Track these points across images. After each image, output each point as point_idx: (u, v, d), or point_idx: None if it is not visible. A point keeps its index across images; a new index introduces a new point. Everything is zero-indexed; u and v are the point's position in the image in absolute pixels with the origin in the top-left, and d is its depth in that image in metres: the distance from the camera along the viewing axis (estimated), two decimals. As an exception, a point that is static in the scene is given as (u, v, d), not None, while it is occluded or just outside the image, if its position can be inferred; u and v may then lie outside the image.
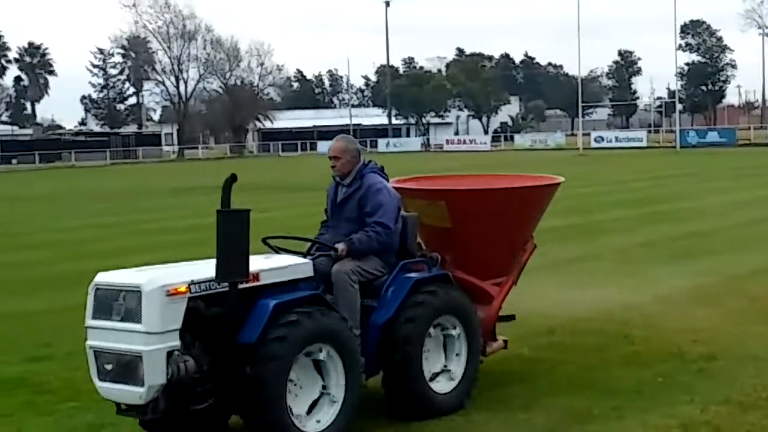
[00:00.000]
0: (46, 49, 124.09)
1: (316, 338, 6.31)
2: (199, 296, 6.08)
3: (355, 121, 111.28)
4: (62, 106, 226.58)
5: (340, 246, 7.06)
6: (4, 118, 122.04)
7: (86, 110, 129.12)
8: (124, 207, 31.35)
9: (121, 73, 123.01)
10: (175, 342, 5.94)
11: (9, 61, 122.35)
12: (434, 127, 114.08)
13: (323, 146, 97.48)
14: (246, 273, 6.04)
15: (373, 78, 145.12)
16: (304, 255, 7.10)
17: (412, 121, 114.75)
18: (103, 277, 6.22)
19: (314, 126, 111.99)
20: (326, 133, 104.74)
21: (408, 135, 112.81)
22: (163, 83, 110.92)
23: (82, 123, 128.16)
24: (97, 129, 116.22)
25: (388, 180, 7.49)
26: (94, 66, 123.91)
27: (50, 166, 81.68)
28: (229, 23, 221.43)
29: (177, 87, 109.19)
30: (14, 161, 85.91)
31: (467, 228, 7.89)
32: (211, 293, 6.12)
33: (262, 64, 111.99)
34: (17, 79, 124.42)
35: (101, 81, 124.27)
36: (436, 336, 7.23)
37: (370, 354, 6.81)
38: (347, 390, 6.47)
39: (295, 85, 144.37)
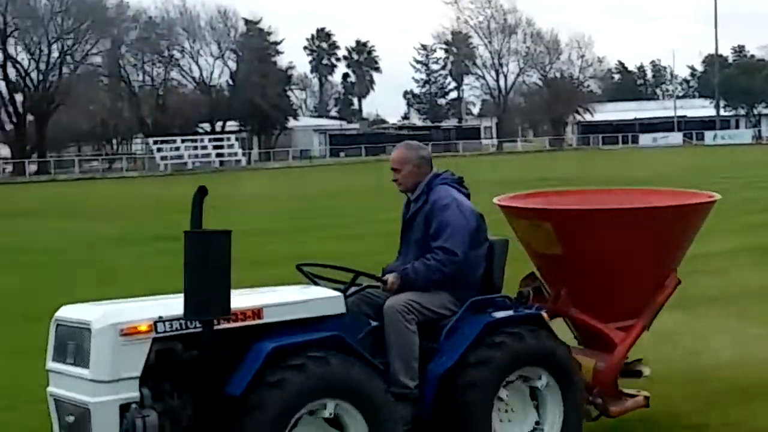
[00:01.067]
0: (372, 46, 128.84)
1: (326, 392, 4.98)
2: (173, 336, 4.93)
3: (679, 112, 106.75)
4: (386, 102, 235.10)
5: (391, 277, 5.79)
6: (333, 113, 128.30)
7: (409, 105, 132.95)
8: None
9: (443, 68, 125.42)
10: (131, 393, 4.79)
11: (338, 59, 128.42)
12: (766, 119, 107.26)
13: (646, 139, 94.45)
14: (226, 309, 4.82)
15: (700, 68, 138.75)
16: (346, 288, 5.67)
17: (742, 112, 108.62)
18: (64, 311, 5.19)
19: (635, 118, 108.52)
20: (648, 125, 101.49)
21: (737, 127, 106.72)
22: (484, 77, 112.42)
23: (405, 117, 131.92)
24: (419, 123, 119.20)
25: (468, 194, 6.06)
26: (417, 62, 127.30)
27: (375, 158, 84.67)
28: (550, 15, 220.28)
29: (497, 81, 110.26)
30: (342, 154, 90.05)
31: (583, 256, 6.44)
32: (191, 332, 4.96)
33: (582, 56, 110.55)
34: (345, 76, 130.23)
35: (423, 76, 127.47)
36: (519, 389, 5.80)
37: (427, 410, 5.51)
38: None
39: (616, 76, 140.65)
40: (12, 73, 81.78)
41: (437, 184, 5.98)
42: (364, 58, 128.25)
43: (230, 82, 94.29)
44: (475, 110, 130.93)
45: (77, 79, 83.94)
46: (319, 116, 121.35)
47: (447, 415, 5.47)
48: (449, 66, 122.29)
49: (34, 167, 77.40)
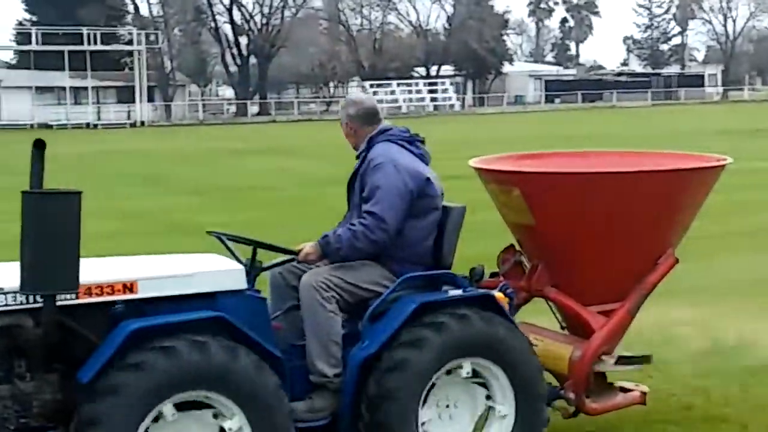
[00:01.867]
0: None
1: (196, 382, 4.30)
2: (20, 310, 4.28)
3: None
4: (604, 47, 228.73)
5: (307, 247, 4.99)
6: (549, 58, 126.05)
7: (628, 51, 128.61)
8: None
9: (666, 12, 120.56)
10: None
11: (557, 3, 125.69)
12: None
13: None
14: (73, 282, 4.16)
15: None
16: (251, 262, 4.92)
17: None
18: None
19: None
20: None
21: None
22: (710, 22, 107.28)
23: (624, 63, 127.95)
24: (638, 69, 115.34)
25: (421, 154, 5.21)
26: (640, 6, 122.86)
27: (591, 106, 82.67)
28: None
29: (724, 25, 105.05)
30: (557, 100, 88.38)
31: (556, 227, 5.54)
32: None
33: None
34: (563, 20, 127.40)
35: (645, 21, 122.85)
36: (464, 383, 4.98)
37: (347, 403, 4.80)
38: None
39: None
40: (237, 16, 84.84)
41: (379, 141, 5.20)
42: (583, 2, 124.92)
43: (446, 26, 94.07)
44: (700, 57, 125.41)
45: (298, 22, 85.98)
46: (535, 61, 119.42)
47: (366, 406, 4.71)
48: (673, 10, 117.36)
49: (255, 108, 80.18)
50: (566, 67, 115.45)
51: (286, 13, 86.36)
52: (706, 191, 5.73)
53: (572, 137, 39.09)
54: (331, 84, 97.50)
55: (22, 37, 76.80)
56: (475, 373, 4.96)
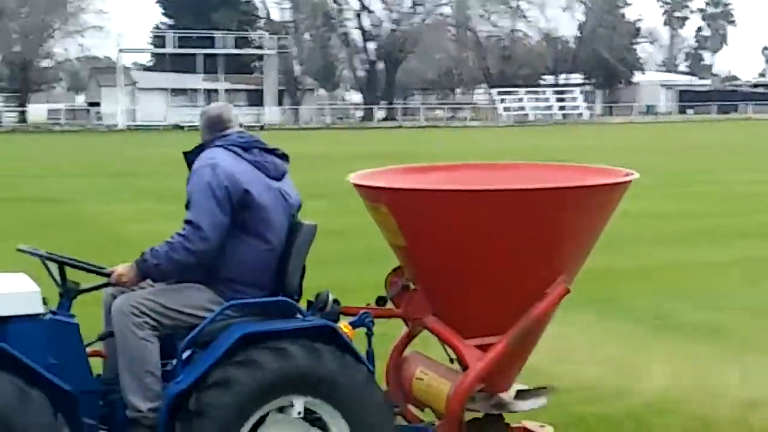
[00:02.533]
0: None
1: None
2: None
3: None
4: (740, 57, 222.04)
5: (120, 268, 4.51)
6: (682, 68, 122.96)
7: (767, 61, 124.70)
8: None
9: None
10: None
11: (692, 12, 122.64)
12: None
13: None
14: None
15: None
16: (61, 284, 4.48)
17: None
18: None
19: None
20: None
21: None
22: None
23: (762, 75, 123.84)
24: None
25: (261, 162, 4.64)
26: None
27: (725, 117, 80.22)
28: None
29: None
30: (690, 111, 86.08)
31: (428, 250, 4.90)
32: None
33: None
34: (698, 29, 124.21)
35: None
36: (301, 426, 4.43)
37: None
38: None
39: None
40: (366, 22, 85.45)
41: (210, 146, 4.67)
42: (719, 11, 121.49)
43: (577, 34, 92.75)
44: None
45: (426, 28, 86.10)
46: (667, 71, 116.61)
47: None
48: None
49: (381, 113, 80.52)
50: (700, 78, 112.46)
51: (415, 19, 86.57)
52: (602, 212, 4.96)
53: (702, 146, 37.95)
54: (458, 90, 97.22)
55: (159, 40, 79.10)
56: (313, 412, 4.44)
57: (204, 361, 4.30)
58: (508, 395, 5.06)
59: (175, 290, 4.49)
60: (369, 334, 4.79)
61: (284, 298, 4.53)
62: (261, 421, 4.33)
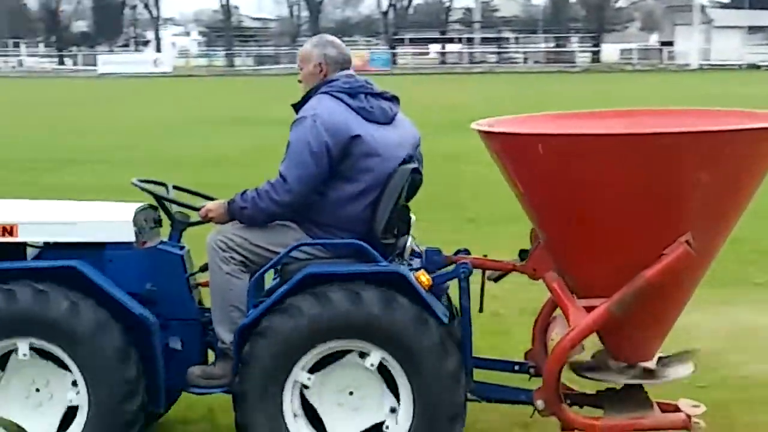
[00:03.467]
0: None
1: (13, 330, 4.34)
2: None
3: None
4: None
5: (210, 204, 4.62)
6: None
7: None
8: None
9: None
10: None
11: None
12: None
13: None
14: None
15: None
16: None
17: None
18: None
19: None
20: None
21: None
22: None
23: None
24: None
25: (367, 109, 4.44)
26: None
27: None
28: None
29: None
30: None
31: (541, 200, 4.33)
32: None
33: None
34: None
35: None
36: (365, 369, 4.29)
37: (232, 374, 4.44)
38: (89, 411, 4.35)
39: None
40: None
41: (319, 92, 4.57)
42: None
43: None
44: None
45: None
46: None
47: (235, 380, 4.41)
48: None
49: None
50: None
51: None
52: (742, 165, 4.11)
53: None
54: None
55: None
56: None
57: (274, 294, 4.35)
58: (651, 363, 4.53)
59: (266, 228, 4.54)
60: (464, 286, 4.52)
61: (356, 241, 4.43)
62: (338, 358, 4.36)
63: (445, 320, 4.32)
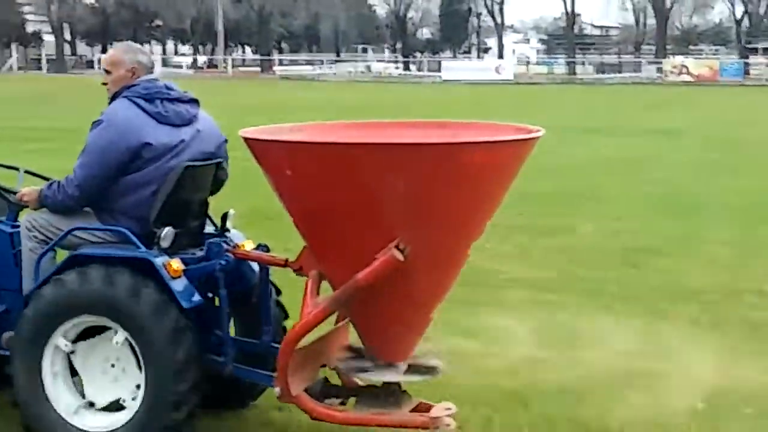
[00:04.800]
0: None
1: None
2: None
3: None
4: None
5: (25, 189, 5.14)
6: None
7: None
8: None
9: None
10: None
11: None
12: None
13: None
14: None
15: None
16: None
17: None
18: None
19: None
20: None
21: None
22: None
23: None
24: None
25: (161, 113, 4.88)
26: None
27: None
28: None
29: None
30: None
31: (285, 204, 4.68)
32: None
33: None
34: None
35: None
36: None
37: None
38: None
39: None
40: None
41: (120, 96, 4.95)
42: None
43: None
44: None
45: None
46: None
47: None
48: None
49: None
50: None
51: None
52: (440, 176, 4.20)
53: None
54: None
55: None
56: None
57: (42, 277, 4.85)
58: (404, 363, 4.71)
59: (68, 213, 5.00)
60: (218, 276, 4.84)
61: (120, 228, 4.84)
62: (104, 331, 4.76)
63: (187, 306, 4.63)
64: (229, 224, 5.23)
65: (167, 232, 4.78)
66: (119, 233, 4.81)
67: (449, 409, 4.59)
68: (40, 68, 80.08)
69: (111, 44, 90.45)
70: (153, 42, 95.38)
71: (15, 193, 5.20)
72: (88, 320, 4.72)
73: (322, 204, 4.40)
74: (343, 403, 4.83)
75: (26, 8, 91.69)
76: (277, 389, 4.64)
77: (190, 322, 4.65)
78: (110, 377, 4.83)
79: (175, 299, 4.60)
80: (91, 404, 4.86)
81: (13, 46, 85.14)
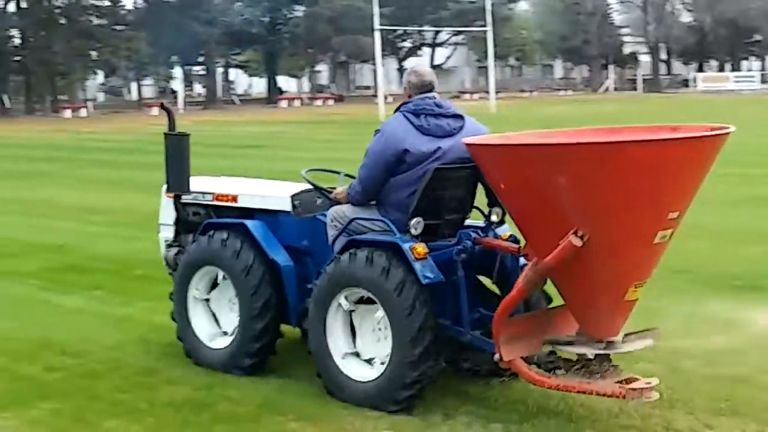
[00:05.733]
0: None
1: (204, 262, 6.67)
2: (186, 203, 7.15)
3: None
4: None
5: (339, 188, 6.41)
6: None
7: None
8: None
9: None
10: (168, 234, 7.36)
11: None
12: None
13: None
14: (187, 188, 6.84)
15: None
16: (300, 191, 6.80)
17: None
18: None
19: None
20: None
21: None
22: None
23: None
24: None
25: (424, 126, 5.91)
26: None
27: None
28: None
29: None
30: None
31: (504, 200, 5.72)
32: (195, 203, 7.16)
33: None
34: None
35: None
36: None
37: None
38: (239, 322, 6.53)
39: None
40: None
41: (397, 111, 6.09)
42: None
43: None
44: None
45: None
46: None
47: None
48: None
49: None
50: None
51: None
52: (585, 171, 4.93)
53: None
54: None
55: None
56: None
57: (330, 255, 6.16)
58: (616, 338, 5.34)
59: (360, 208, 6.14)
60: (456, 259, 5.75)
61: (382, 218, 5.98)
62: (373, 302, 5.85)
63: (426, 282, 5.59)
64: (494, 218, 6.04)
65: (416, 222, 5.83)
66: (383, 223, 5.95)
67: (650, 383, 5.17)
68: (634, 88, 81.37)
69: (706, 62, 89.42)
70: (752, 58, 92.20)
71: (329, 192, 6.46)
72: (357, 291, 5.90)
73: (520, 202, 5.33)
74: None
75: (624, 30, 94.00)
76: (496, 355, 5.51)
77: (427, 296, 5.63)
78: (375, 338, 5.93)
79: (416, 277, 5.59)
80: (357, 354, 6.01)
81: (611, 68, 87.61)
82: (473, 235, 5.87)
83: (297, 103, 67.71)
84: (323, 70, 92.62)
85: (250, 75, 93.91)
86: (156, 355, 7.10)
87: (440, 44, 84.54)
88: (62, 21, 60.89)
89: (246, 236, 6.46)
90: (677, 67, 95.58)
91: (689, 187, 5.04)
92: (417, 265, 5.61)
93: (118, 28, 63.95)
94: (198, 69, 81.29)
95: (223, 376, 6.52)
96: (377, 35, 46.81)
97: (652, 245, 5.04)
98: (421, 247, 5.67)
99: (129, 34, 62.67)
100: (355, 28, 67.37)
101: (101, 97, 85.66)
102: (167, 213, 7.27)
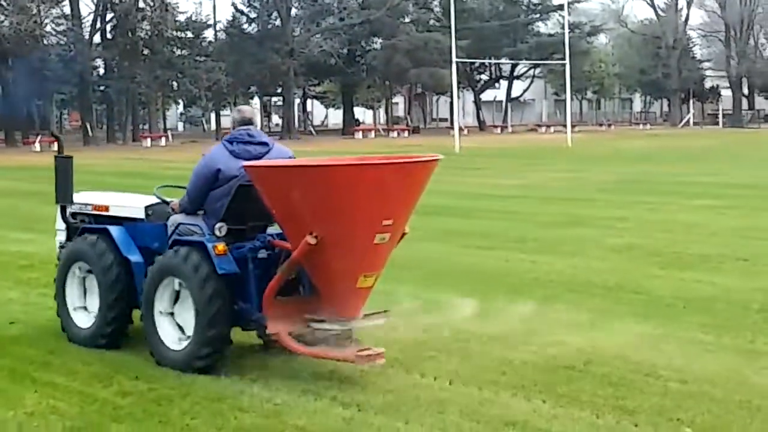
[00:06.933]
0: None
1: (76, 258, 8.17)
2: (75, 212, 8.65)
3: None
4: None
5: (175, 200, 7.88)
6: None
7: None
8: None
9: None
10: (62, 237, 8.74)
11: None
12: None
13: None
14: (70, 200, 8.43)
15: None
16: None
17: None
18: None
19: None
20: None
21: None
22: None
23: None
24: None
25: (237, 152, 7.48)
26: None
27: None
28: None
29: None
30: None
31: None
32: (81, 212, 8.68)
33: None
34: None
35: None
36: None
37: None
38: (98, 308, 8.05)
39: None
40: None
41: (222, 140, 7.80)
42: None
43: None
44: None
45: None
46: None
47: None
48: None
49: None
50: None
51: None
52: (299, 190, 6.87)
53: None
54: None
55: None
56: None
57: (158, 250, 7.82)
58: (357, 317, 7.05)
59: (190, 216, 7.65)
60: (248, 256, 7.31)
61: (198, 224, 7.56)
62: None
63: (221, 272, 7.14)
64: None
65: (220, 226, 7.34)
66: (198, 227, 7.48)
67: (380, 351, 6.85)
68: (716, 123, 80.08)
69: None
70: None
71: (169, 203, 7.88)
72: (176, 279, 7.33)
73: (277, 210, 7.02)
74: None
75: (706, 64, 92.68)
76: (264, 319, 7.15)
77: (224, 286, 7.11)
78: (192, 316, 7.23)
79: (214, 269, 7.07)
80: (182, 330, 7.43)
81: (691, 102, 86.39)
82: (268, 238, 7.38)
83: (372, 134, 67.97)
84: (400, 101, 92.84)
85: (327, 106, 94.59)
86: (225, 382, 7.13)
87: (518, 77, 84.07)
88: (145, 52, 61.86)
89: (110, 239, 7.88)
90: (759, 102, 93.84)
91: (402, 201, 6.82)
92: (216, 260, 7.09)
93: (199, 59, 64.85)
94: (276, 100, 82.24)
95: (292, 404, 6.59)
96: (454, 68, 46.77)
97: (373, 244, 6.75)
98: (221, 246, 7.14)
99: (209, 65, 63.35)
100: (433, 60, 67.48)
101: (180, 126, 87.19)
102: (61, 221, 8.65)
